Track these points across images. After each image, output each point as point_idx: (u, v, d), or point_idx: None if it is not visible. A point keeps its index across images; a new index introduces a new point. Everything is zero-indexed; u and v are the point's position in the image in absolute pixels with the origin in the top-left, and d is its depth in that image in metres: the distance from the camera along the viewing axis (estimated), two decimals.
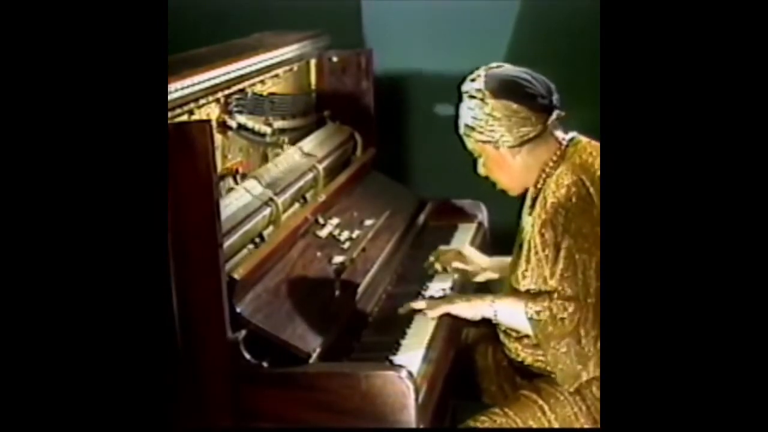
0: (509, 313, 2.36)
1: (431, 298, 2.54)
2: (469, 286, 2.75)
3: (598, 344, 2.24)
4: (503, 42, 3.56)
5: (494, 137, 2.35)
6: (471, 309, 2.42)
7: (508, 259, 2.55)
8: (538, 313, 2.28)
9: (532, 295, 2.34)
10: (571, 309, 2.25)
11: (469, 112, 2.38)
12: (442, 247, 2.84)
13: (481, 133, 2.36)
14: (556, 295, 2.27)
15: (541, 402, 2.34)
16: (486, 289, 2.73)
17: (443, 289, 2.65)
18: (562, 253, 2.26)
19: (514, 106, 2.33)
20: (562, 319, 2.25)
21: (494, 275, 2.73)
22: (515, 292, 2.41)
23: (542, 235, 2.30)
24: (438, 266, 2.76)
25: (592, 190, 2.26)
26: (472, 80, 2.39)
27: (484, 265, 2.74)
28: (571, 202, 2.26)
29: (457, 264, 2.75)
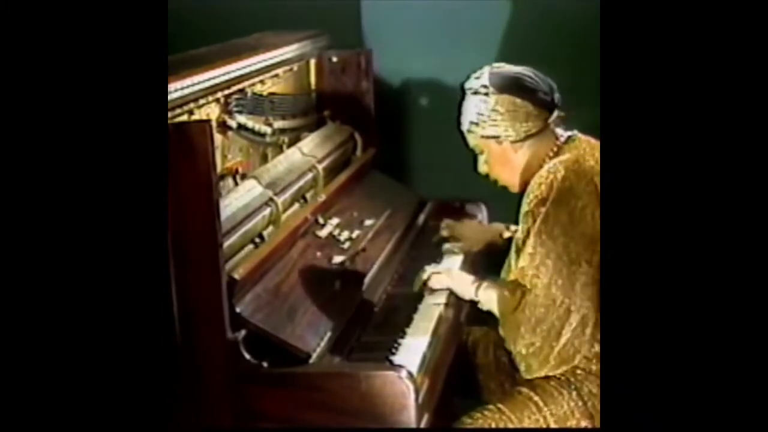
0: (488, 299, 2.43)
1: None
2: (478, 264, 2.80)
3: (559, 340, 2.27)
4: (504, 42, 3.56)
5: (498, 132, 2.40)
6: (459, 286, 2.50)
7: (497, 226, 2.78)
8: (503, 298, 2.35)
9: (509, 283, 2.39)
10: (519, 294, 2.30)
11: (473, 108, 2.43)
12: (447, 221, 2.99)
13: (484, 128, 2.41)
14: (514, 279, 2.33)
15: (536, 399, 2.34)
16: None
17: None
18: (530, 240, 2.31)
19: (518, 101, 2.38)
20: (516, 301, 2.30)
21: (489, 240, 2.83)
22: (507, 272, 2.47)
23: (523, 226, 2.35)
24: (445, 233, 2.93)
25: (575, 184, 2.30)
26: (477, 78, 2.44)
27: (487, 233, 2.87)
28: (550, 194, 2.30)
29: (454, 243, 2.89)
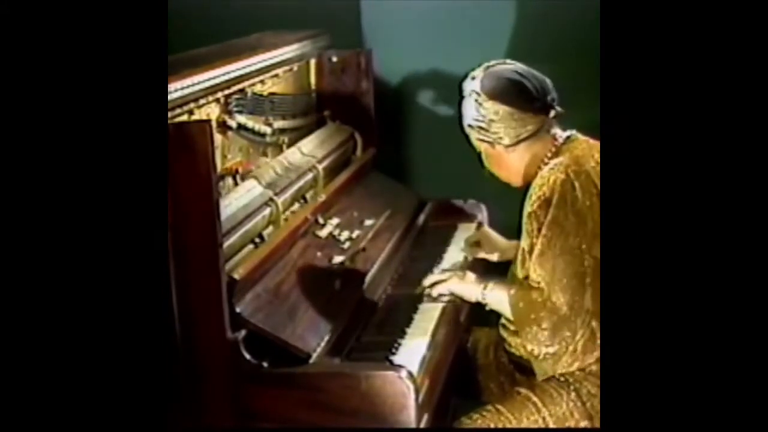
0: (497, 299, 2.41)
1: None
2: (478, 267, 2.78)
3: (575, 339, 2.28)
4: (503, 42, 3.56)
5: (490, 137, 2.42)
6: (462, 288, 2.49)
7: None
8: (515, 297, 2.34)
9: (519, 283, 2.39)
10: (536, 296, 2.29)
11: (469, 110, 2.44)
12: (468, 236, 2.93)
13: (479, 132, 2.43)
14: (528, 281, 2.33)
15: (535, 399, 2.34)
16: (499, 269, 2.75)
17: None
18: (539, 242, 2.30)
19: (509, 109, 2.39)
20: (534, 303, 2.29)
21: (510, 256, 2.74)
22: (511, 281, 2.46)
23: (527, 227, 2.35)
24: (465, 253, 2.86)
25: (577, 185, 2.30)
26: (472, 79, 2.45)
27: (502, 247, 2.79)
28: (554, 195, 2.30)
29: (475, 249, 2.83)
